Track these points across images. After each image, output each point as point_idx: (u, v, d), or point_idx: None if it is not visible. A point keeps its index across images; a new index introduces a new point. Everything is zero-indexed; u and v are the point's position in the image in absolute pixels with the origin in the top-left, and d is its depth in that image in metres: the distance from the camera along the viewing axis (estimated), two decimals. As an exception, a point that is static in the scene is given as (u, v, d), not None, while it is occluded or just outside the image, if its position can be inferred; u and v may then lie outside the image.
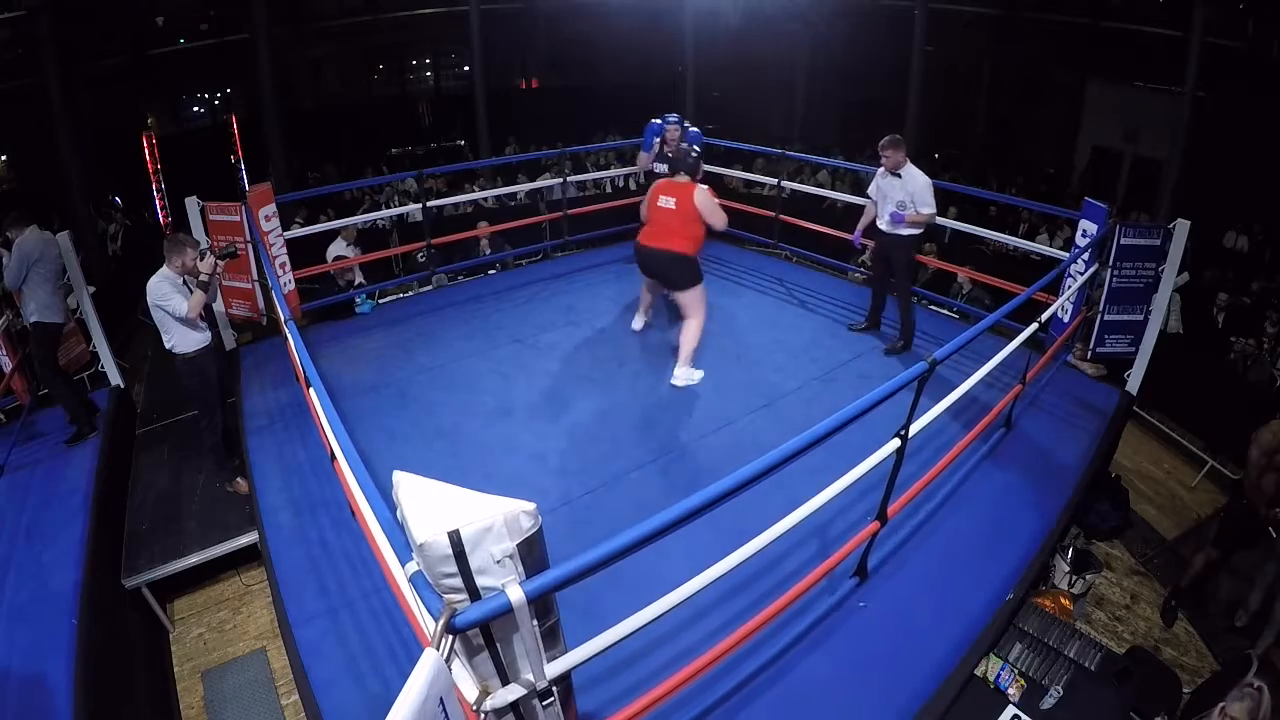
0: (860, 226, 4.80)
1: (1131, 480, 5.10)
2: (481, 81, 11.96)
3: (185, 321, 3.50)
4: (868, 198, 4.70)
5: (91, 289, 4.84)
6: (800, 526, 2.22)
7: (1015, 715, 2.54)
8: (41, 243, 4.04)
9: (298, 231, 5.39)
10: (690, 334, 4.18)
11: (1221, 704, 2.45)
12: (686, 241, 4.04)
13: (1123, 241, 4.05)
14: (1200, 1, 8.77)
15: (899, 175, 4.31)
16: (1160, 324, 4.21)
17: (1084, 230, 4.31)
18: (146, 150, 10.65)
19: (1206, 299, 7.31)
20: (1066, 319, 4.41)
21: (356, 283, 6.03)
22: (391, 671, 2.48)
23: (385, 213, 8.00)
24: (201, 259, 3.54)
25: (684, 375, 4.24)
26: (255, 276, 4.76)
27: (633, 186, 10.30)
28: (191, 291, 3.52)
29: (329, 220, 6.66)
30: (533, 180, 8.62)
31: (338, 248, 6.12)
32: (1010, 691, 2.60)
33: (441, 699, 1.29)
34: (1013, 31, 12.02)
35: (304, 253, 5.47)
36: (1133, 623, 4.05)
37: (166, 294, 3.44)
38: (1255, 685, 2.42)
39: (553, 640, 1.57)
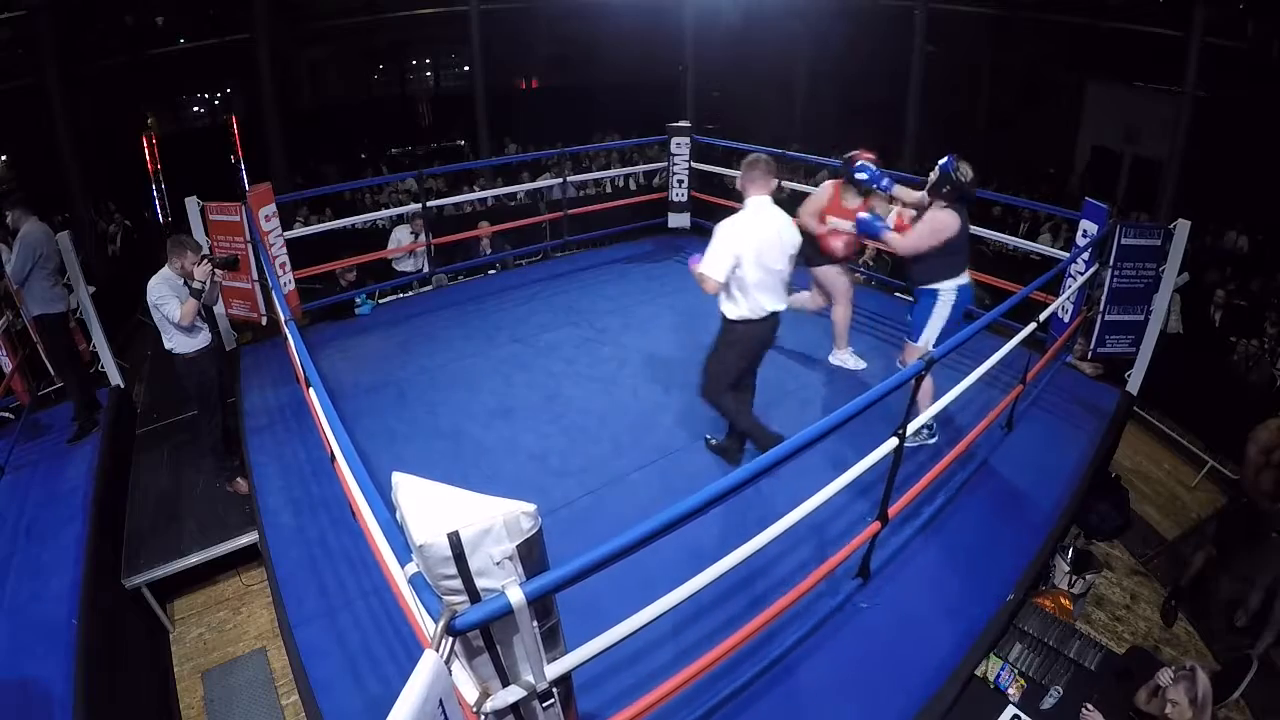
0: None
1: (1131, 480, 5.10)
2: (481, 81, 11.97)
3: (181, 326, 3.50)
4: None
5: (91, 289, 4.84)
6: (800, 526, 2.22)
7: (1015, 715, 2.54)
8: (44, 235, 4.05)
9: (298, 231, 5.39)
10: (834, 317, 4.39)
11: (1157, 683, 2.49)
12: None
13: (1123, 241, 4.05)
14: (1200, 1, 8.77)
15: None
16: (1160, 324, 4.21)
17: (1084, 230, 4.30)
18: (146, 150, 10.66)
19: (1207, 299, 7.31)
20: (1067, 319, 4.40)
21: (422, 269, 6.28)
22: (391, 672, 2.48)
23: (385, 213, 7.99)
24: (198, 263, 3.51)
25: (837, 357, 4.48)
26: (255, 276, 4.75)
27: (633, 186, 10.31)
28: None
29: (329, 219, 6.67)
30: (534, 180, 8.62)
31: (403, 234, 6.31)
32: (1010, 691, 2.60)
33: (441, 700, 1.28)
34: (1013, 31, 12.01)
35: (305, 253, 5.47)
36: (1133, 623, 4.05)
37: (164, 297, 3.43)
38: (1189, 666, 2.45)
39: (553, 641, 1.57)
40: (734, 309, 3.09)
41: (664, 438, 3.77)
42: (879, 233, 3.53)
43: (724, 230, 3.00)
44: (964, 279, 3.51)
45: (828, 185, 4.20)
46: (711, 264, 2.98)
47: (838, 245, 4.13)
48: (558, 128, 12.79)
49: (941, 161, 3.33)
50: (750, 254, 2.97)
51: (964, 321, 3.55)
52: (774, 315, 3.14)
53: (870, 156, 4.03)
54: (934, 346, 3.44)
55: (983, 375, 3.03)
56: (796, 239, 3.16)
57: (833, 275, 4.26)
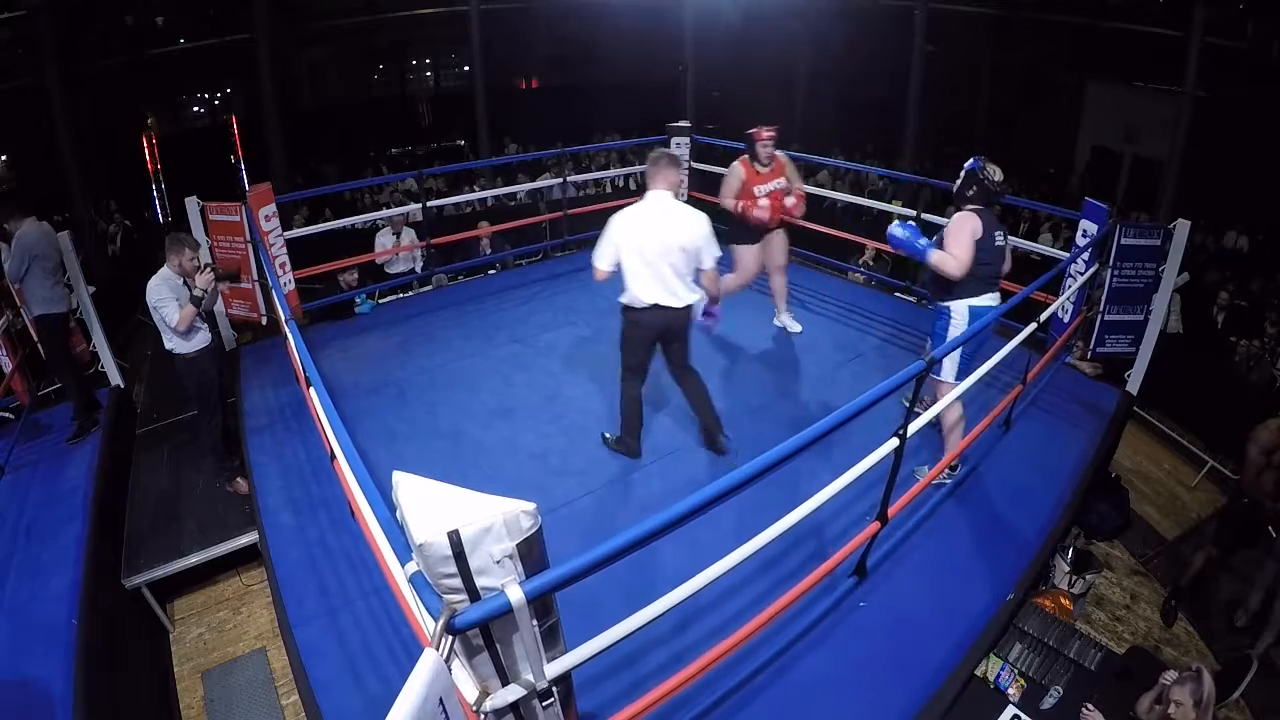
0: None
1: (1131, 480, 5.10)
2: (481, 81, 11.97)
3: (179, 330, 3.49)
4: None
5: (91, 289, 4.84)
6: (800, 526, 2.22)
7: (1015, 715, 2.54)
8: (41, 235, 4.04)
9: (298, 231, 5.39)
10: (723, 282, 4.33)
11: (1162, 684, 2.48)
12: None
13: (1123, 241, 4.05)
14: (1200, 1, 8.77)
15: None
16: (1160, 324, 4.21)
17: (1084, 230, 4.30)
18: (146, 150, 10.67)
19: (1207, 299, 7.32)
20: (1066, 319, 4.40)
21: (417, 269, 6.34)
22: (391, 671, 2.48)
23: (385, 213, 7.99)
24: (201, 269, 3.50)
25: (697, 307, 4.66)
26: (255, 276, 4.75)
27: (632, 186, 10.31)
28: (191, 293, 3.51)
29: (329, 219, 6.67)
30: (533, 180, 8.62)
31: (385, 238, 6.36)
32: (1010, 691, 2.60)
33: (441, 699, 1.29)
34: (1013, 31, 12.02)
35: (305, 253, 5.47)
36: (1133, 623, 4.05)
37: (164, 298, 3.42)
38: (1194, 668, 2.45)
39: (552, 640, 1.57)
40: (622, 295, 3.24)
41: (664, 438, 3.77)
42: (924, 254, 3.02)
43: (611, 221, 3.14)
44: (981, 300, 3.03)
45: (737, 165, 4.39)
46: (597, 253, 3.18)
47: (760, 215, 4.30)
48: (558, 128, 12.80)
49: (968, 164, 3.12)
50: (629, 245, 3.09)
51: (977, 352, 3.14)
52: (658, 308, 3.16)
53: (770, 134, 4.27)
54: (955, 378, 3.07)
55: (983, 375, 3.03)
56: (692, 236, 3.10)
57: (747, 256, 4.48)
